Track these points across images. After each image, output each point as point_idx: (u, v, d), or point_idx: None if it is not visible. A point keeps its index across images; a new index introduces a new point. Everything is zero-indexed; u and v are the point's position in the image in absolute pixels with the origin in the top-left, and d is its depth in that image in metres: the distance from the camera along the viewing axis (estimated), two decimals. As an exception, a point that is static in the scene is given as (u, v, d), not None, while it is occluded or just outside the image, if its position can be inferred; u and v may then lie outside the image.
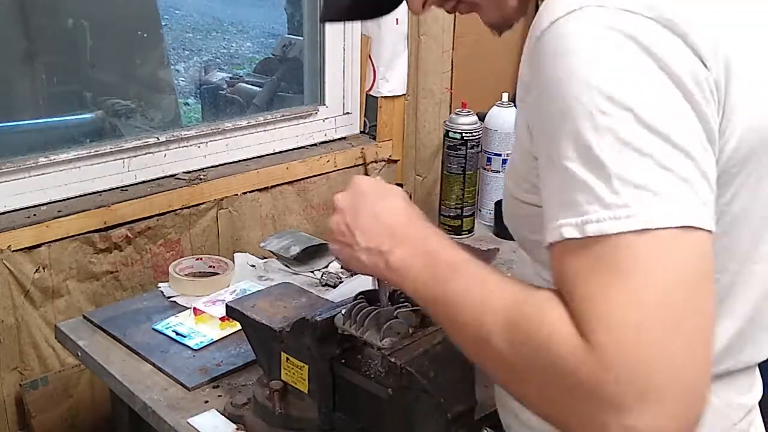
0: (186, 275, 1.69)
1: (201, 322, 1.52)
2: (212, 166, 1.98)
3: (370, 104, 2.21)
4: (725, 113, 0.74)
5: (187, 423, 1.25)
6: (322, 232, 2.00)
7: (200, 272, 1.71)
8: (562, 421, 0.70)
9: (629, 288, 0.66)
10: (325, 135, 2.19)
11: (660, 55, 0.69)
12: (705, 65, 0.71)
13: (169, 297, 1.63)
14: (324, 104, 2.19)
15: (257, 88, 2.74)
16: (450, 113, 2.06)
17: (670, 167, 0.67)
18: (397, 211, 0.91)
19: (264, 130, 2.08)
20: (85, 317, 1.57)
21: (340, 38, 2.15)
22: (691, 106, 0.70)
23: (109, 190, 1.82)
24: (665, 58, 0.69)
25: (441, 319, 0.82)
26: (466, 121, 1.98)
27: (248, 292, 1.55)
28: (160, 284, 1.69)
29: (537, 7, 0.83)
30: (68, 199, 1.77)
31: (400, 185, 1.59)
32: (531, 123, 0.79)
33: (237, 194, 1.97)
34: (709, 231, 0.68)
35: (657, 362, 0.64)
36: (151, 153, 1.89)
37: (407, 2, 0.99)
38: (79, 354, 1.49)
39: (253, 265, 1.78)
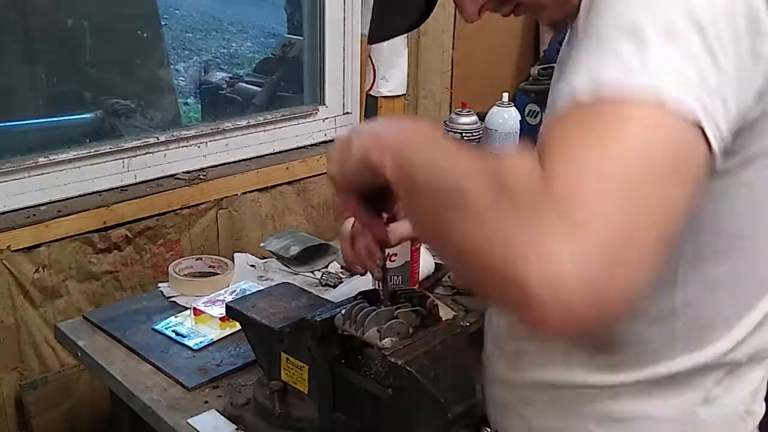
0: (186, 275, 1.68)
1: (201, 323, 1.52)
2: (212, 166, 1.98)
3: (370, 104, 2.20)
4: None
5: (187, 423, 1.25)
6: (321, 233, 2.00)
7: (200, 272, 1.71)
8: (479, 248, 0.63)
9: (610, 147, 0.63)
10: (325, 135, 2.19)
11: None
12: None
13: (169, 297, 1.63)
14: (324, 104, 2.18)
15: (257, 88, 2.74)
16: (450, 113, 2.06)
17: (705, 76, 0.65)
18: (383, 122, 0.90)
19: (264, 130, 2.08)
20: (84, 317, 1.57)
21: (340, 38, 2.15)
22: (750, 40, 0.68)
23: (109, 190, 1.82)
24: None
25: (415, 183, 0.72)
26: (466, 121, 1.98)
27: (248, 293, 1.55)
28: (159, 284, 1.69)
29: None
30: (68, 199, 1.77)
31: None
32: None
33: (237, 194, 1.97)
34: (710, 150, 0.65)
35: (603, 215, 0.59)
36: (151, 153, 1.89)
37: (460, 10, 0.95)
38: (79, 354, 1.49)
39: (252, 265, 1.78)
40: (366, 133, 0.85)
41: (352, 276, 1.72)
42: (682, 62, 0.66)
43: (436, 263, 1.72)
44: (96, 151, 1.80)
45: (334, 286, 1.69)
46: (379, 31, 1.04)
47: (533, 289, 0.58)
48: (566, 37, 0.97)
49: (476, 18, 0.95)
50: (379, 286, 1.07)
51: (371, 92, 2.19)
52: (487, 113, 1.99)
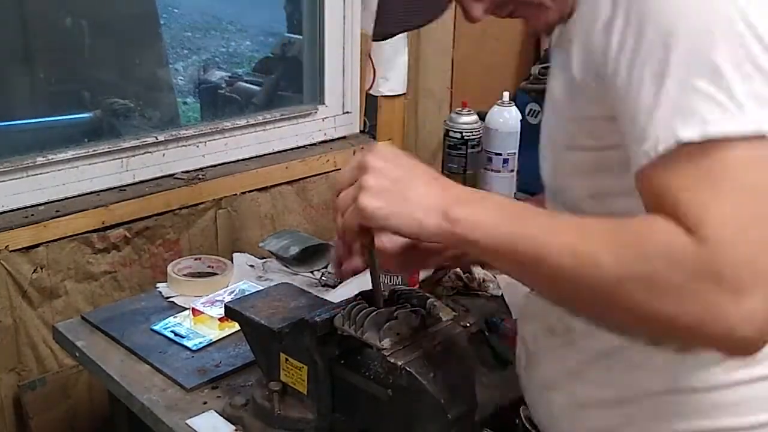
0: (184, 275, 1.68)
1: (200, 323, 1.51)
2: (211, 166, 1.98)
3: (370, 103, 2.20)
4: None
5: (186, 424, 1.25)
6: (325, 229, 1.99)
7: (199, 272, 1.71)
8: (674, 322, 0.70)
9: (741, 190, 0.69)
10: (325, 134, 2.18)
11: None
12: None
13: (168, 297, 1.63)
14: (323, 103, 2.18)
15: (256, 88, 2.73)
16: (450, 112, 2.06)
17: None
18: (434, 173, 0.88)
19: (263, 130, 2.07)
20: (83, 318, 1.57)
21: (340, 37, 2.14)
22: None
23: (108, 189, 1.82)
24: None
25: (519, 256, 0.77)
26: (467, 121, 1.98)
27: (247, 293, 1.54)
28: (158, 284, 1.68)
29: None
30: (66, 198, 1.76)
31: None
32: (605, 52, 0.78)
33: (236, 194, 1.96)
34: None
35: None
36: (150, 152, 1.88)
37: (463, 11, 0.95)
38: (77, 355, 1.49)
39: (252, 266, 1.78)
40: (433, 192, 0.83)
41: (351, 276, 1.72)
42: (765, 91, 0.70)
43: (436, 263, 1.71)
44: (94, 150, 1.80)
45: (334, 287, 1.68)
46: (390, 25, 1.03)
47: (737, 335, 0.68)
48: (553, 38, 0.97)
49: (480, 18, 0.94)
50: (374, 287, 1.06)
51: (371, 91, 2.19)
52: (487, 112, 1.99)
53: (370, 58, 2.15)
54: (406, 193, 0.83)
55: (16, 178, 1.70)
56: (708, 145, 0.70)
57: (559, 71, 0.91)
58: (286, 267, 1.78)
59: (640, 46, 0.74)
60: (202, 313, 1.52)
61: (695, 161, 0.70)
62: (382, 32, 1.07)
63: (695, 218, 0.69)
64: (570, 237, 0.75)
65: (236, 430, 1.23)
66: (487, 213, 0.80)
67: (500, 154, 1.97)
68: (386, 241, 1.01)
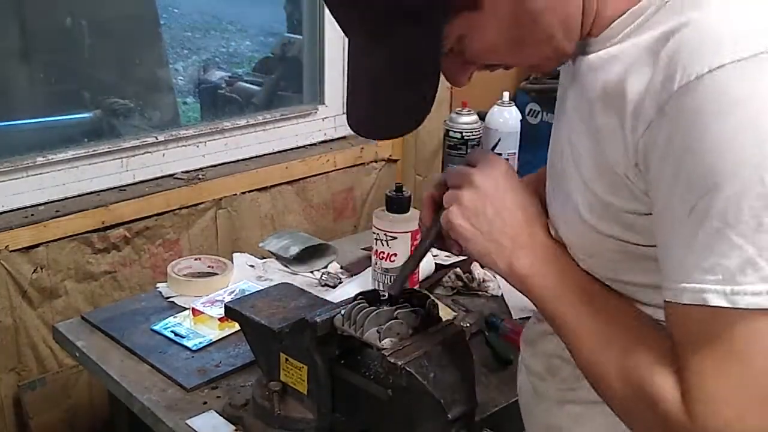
0: (184, 275, 1.68)
1: (200, 323, 1.51)
2: (211, 166, 1.98)
3: (370, 103, 2.20)
4: None
5: (186, 424, 1.25)
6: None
7: (199, 272, 1.71)
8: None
9: (744, 372, 0.67)
10: (325, 134, 2.18)
11: None
12: None
13: (168, 297, 1.63)
14: (323, 103, 2.18)
15: (256, 88, 2.73)
16: (450, 112, 2.05)
17: None
18: (524, 208, 0.90)
19: (263, 130, 2.07)
20: (83, 318, 1.57)
21: (340, 37, 2.14)
22: None
23: (107, 189, 1.82)
24: None
25: (553, 325, 0.86)
26: (467, 121, 1.97)
27: (247, 293, 1.54)
28: (158, 284, 1.68)
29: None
30: (66, 198, 1.76)
31: (400, 185, 1.58)
32: (649, 159, 0.72)
33: (236, 194, 1.96)
34: None
35: None
36: (150, 152, 1.88)
37: (448, 79, 0.90)
38: (77, 355, 1.49)
39: (252, 266, 1.78)
40: (513, 235, 0.88)
41: (351, 276, 1.72)
42: None
43: (436, 263, 1.71)
44: (94, 150, 1.80)
45: (334, 287, 1.68)
46: (381, 128, 0.92)
47: None
48: (564, 74, 0.91)
49: (465, 84, 0.91)
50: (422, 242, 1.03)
51: (371, 91, 2.18)
52: (487, 112, 1.99)
53: (370, 58, 2.15)
54: (491, 225, 0.89)
55: (16, 178, 1.70)
56: (734, 313, 0.67)
57: (574, 110, 0.85)
58: (286, 267, 1.77)
59: (679, 174, 0.69)
60: (202, 313, 1.52)
61: (717, 318, 0.68)
62: (378, 133, 1.01)
63: (694, 387, 0.70)
64: (592, 342, 0.81)
65: (236, 430, 1.23)
66: (544, 279, 0.86)
67: (500, 154, 1.97)
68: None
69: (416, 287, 1.58)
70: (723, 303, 0.67)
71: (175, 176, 1.91)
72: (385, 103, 0.85)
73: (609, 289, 0.84)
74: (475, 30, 0.80)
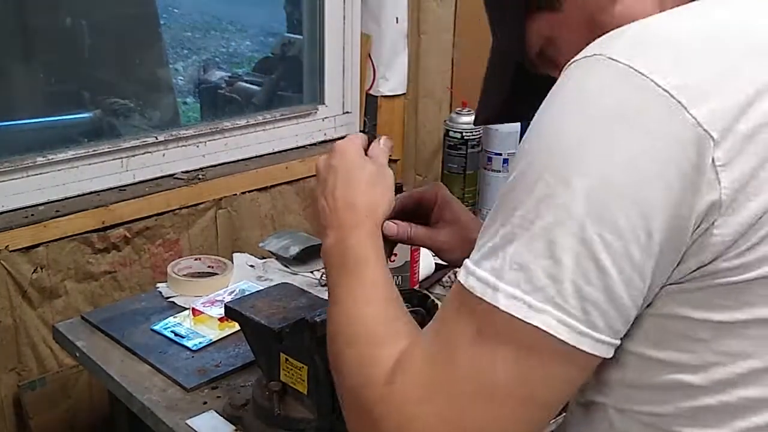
0: (184, 275, 1.68)
1: (200, 323, 1.51)
2: (211, 166, 1.98)
3: (370, 103, 2.20)
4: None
5: (186, 424, 1.25)
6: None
7: (199, 272, 1.71)
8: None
9: (452, 356, 0.69)
10: (325, 134, 2.18)
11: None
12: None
13: (168, 297, 1.63)
14: (323, 103, 2.18)
15: (256, 88, 2.73)
16: (450, 112, 2.06)
17: (579, 286, 0.64)
18: (355, 188, 0.95)
19: (263, 130, 2.07)
20: (83, 318, 1.57)
21: (340, 37, 2.14)
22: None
23: (107, 189, 1.82)
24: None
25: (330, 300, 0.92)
26: (467, 121, 1.98)
27: (247, 293, 1.54)
28: (158, 284, 1.68)
29: None
30: (66, 198, 1.76)
31: (400, 185, 1.58)
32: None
33: (236, 194, 1.96)
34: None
35: None
36: (150, 152, 1.88)
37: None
38: (77, 355, 1.49)
39: (252, 266, 1.78)
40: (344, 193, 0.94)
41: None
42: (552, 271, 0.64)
43: (436, 264, 1.71)
44: (94, 150, 1.80)
45: (334, 286, 1.68)
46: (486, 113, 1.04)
47: None
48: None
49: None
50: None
51: (371, 91, 2.19)
52: (487, 112, 1.98)
53: (370, 58, 2.15)
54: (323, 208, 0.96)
55: (16, 178, 1.70)
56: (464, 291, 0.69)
57: None
58: (286, 267, 1.77)
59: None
60: (202, 313, 1.52)
61: (462, 297, 0.70)
62: (484, 119, 1.09)
63: (405, 358, 0.73)
64: (344, 317, 0.88)
65: (236, 430, 1.23)
66: (332, 258, 0.95)
67: (500, 154, 1.98)
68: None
69: (416, 287, 1.58)
70: (461, 277, 0.70)
71: (175, 176, 1.91)
72: (483, 92, 1.00)
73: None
74: (559, 31, 0.83)
